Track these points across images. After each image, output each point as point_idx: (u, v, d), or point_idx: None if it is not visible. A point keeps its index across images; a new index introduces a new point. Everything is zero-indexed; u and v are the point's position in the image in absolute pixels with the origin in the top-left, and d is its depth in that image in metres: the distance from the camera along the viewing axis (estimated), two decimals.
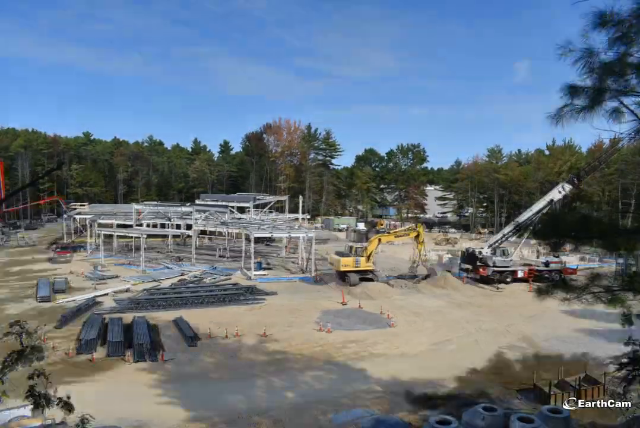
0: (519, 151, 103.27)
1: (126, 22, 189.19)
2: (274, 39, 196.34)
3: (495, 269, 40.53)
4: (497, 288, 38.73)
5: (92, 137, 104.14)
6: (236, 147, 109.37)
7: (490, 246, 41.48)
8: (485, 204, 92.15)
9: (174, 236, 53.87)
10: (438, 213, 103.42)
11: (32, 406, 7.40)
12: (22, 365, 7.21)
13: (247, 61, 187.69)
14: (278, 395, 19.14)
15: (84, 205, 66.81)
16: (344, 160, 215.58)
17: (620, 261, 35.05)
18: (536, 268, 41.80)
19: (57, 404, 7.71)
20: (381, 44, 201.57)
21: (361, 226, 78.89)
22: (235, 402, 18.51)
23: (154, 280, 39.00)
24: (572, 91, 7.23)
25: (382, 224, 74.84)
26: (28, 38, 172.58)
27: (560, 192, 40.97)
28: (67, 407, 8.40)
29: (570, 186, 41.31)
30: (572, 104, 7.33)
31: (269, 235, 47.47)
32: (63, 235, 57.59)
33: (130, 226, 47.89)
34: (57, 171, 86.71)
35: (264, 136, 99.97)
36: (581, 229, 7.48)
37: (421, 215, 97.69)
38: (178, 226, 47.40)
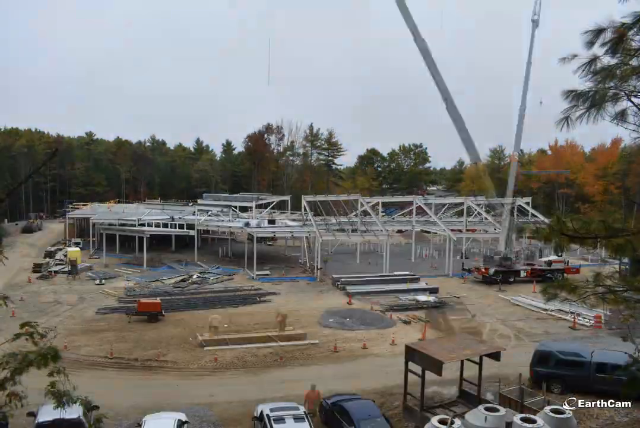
0: (522, 151, 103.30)
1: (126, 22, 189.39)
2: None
3: (498, 269, 40.60)
4: (500, 289, 38.70)
5: (94, 137, 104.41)
6: (238, 147, 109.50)
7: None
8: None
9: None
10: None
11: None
12: (40, 366, 7.24)
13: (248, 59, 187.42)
14: None
15: (86, 205, 66.90)
16: (346, 160, 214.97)
17: (625, 261, 34.90)
18: (539, 267, 41.80)
19: (78, 403, 7.80)
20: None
21: None
22: None
23: (157, 280, 39.11)
24: (576, 94, 7.35)
25: None
26: (27, 37, 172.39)
27: None
28: (89, 405, 8.57)
29: None
30: (577, 106, 7.43)
31: (271, 235, 47.51)
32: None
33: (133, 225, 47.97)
34: (60, 172, 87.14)
35: (266, 136, 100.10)
36: (585, 231, 7.54)
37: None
38: (181, 226, 47.45)
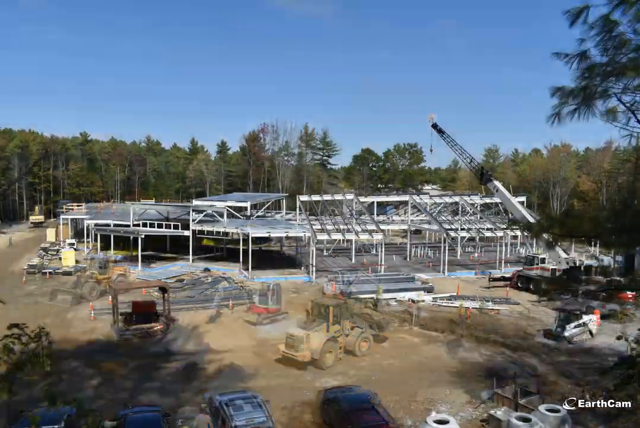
0: (516, 150, 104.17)
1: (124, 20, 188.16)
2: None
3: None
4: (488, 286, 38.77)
5: (89, 138, 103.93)
6: (234, 147, 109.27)
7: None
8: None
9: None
10: None
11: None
12: (31, 369, 7.12)
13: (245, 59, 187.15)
14: None
15: (80, 205, 66.48)
16: (341, 159, 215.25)
17: (619, 258, 35.00)
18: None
19: (70, 403, 7.74)
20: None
21: None
22: None
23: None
24: (564, 92, 7.31)
25: None
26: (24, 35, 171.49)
27: None
28: (79, 405, 8.58)
29: None
30: (567, 102, 7.38)
31: (266, 235, 47.36)
32: None
33: (128, 226, 47.75)
34: (55, 172, 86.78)
35: (261, 135, 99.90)
36: (577, 229, 7.51)
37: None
38: (176, 226, 47.26)
